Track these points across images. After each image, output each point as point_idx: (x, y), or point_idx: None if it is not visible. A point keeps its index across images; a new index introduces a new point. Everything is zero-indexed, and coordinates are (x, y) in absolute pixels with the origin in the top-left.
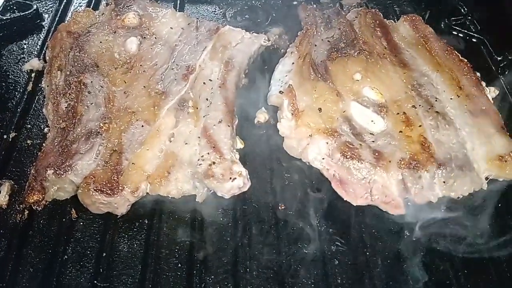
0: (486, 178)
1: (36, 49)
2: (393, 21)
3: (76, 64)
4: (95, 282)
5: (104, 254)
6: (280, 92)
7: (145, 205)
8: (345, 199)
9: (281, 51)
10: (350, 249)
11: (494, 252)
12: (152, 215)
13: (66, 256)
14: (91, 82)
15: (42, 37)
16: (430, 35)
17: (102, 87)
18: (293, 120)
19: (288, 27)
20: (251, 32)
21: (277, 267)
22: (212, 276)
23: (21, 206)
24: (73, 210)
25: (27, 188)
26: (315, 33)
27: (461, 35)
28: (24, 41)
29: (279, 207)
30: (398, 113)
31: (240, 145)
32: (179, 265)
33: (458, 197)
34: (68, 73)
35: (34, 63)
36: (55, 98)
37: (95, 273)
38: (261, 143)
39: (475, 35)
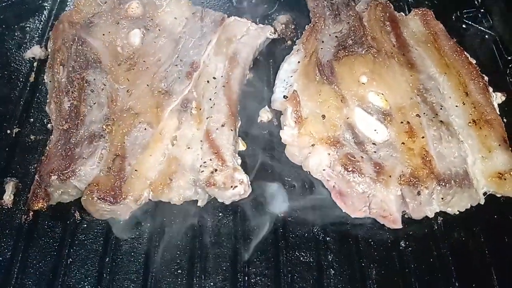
0: (485, 193)
1: (38, 33)
2: (403, 14)
3: (78, 59)
4: (99, 287)
5: (107, 258)
6: (285, 97)
7: (147, 208)
8: (344, 211)
9: (288, 42)
10: (346, 259)
11: None
12: (153, 219)
13: (70, 259)
14: (94, 79)
15: (44, 19)
16: (440, 32)
17: (105, 85)
18: (296, 128)
19: (295, 14)
20: (257, 22)
21: (274, 275)
22: (212, 283)
23: (25, 207)
24: (76, 212)
25: (32, 194)
26: (322, 27)
27: (472, 29)
28: (25, 23)
29: (279, 214)
30: (402, 122)
31: (242, 147)
32: (179, 271)
33: (455, 214)
34: (70, 69)
35: (36, 51)
36: (58, 96)
37: (98, 278)
38: (263, 144)
39: (487, 31)
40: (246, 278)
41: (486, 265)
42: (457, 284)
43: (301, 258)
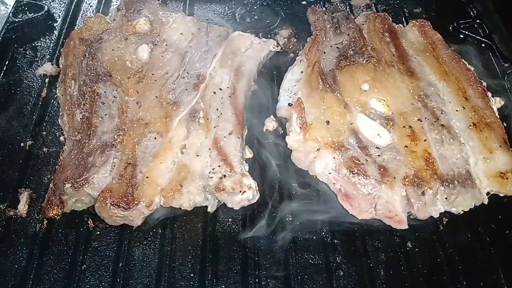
0: (488, 193)
1: (49, 51)
2: (401, 25)
3: (89, 73)
4: None
5: (121, 264)
6: (289, 104)
7: (158, 215)
8: (350, 213)
9: (290, 55)
10: (354, 260)
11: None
12: (165, 225)
13: (84, 266)
14: (105, 92)
15: (54, 39)
16: (438, 41)
17: (115, 97)
18: (301, 133)
19: (297, 28)
20: (260, 36)
21: (284, 277)
22: (223, 286)
23: (40, 215)
24: (90, 220)
25: (46, 202)
26: (324, 39)
27: (469, 39)
28: (36, 43)
29: (287, 218)
30: (404, 126)
31: (249, 154)
32: (192, 275)
33: (459, 213)
34: (81, 82)
35: (47, 68)
36: (70, 109)
37: (112, 283)
38: (269, 152)
39: (483, 39)
40: (257, 280)
41: (492, 265)
42: (464, 283)
43: (310, 260)
